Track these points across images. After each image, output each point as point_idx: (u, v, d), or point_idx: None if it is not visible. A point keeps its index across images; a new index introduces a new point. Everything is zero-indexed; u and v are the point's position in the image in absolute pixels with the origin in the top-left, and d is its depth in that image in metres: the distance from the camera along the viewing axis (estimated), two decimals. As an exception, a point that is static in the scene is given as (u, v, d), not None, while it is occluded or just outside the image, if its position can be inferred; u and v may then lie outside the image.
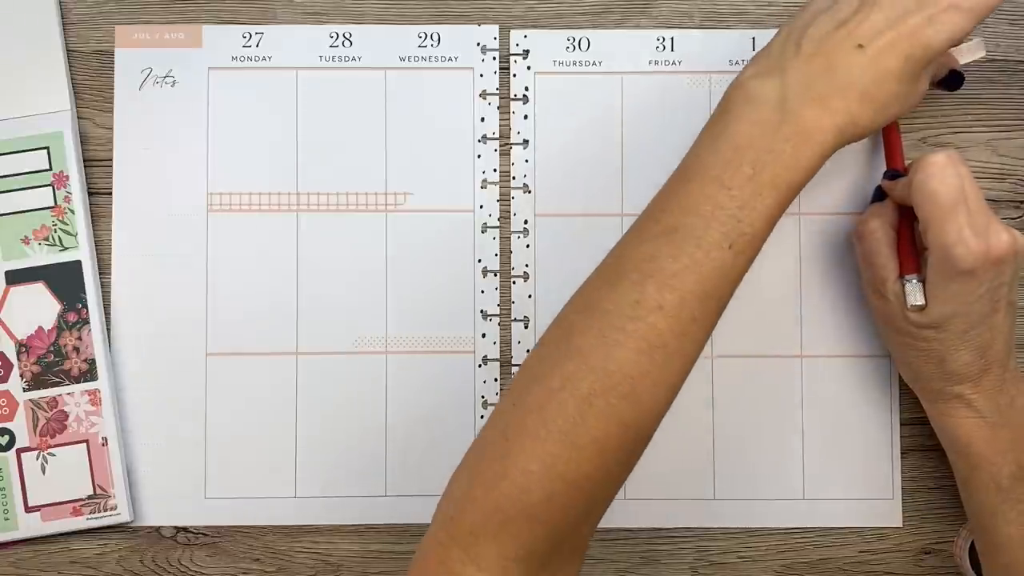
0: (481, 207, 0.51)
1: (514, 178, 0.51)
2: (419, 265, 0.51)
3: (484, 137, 0.51)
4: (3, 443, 0.49)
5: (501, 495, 0.36)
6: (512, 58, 0.51)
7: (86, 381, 0.49)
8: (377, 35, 0.51)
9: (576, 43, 0.51)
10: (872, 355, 0.51)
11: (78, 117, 0.51)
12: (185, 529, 0.50)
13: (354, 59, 0.51)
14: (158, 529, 0.50)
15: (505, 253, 0.51)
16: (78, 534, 0.50)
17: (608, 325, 0.37)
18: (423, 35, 0.51)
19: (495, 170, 0.51)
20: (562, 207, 0.51)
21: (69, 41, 0.51)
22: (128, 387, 0.50)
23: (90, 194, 0.51)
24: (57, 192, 0.50)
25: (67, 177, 0.50)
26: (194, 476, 0.50)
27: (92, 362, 0.49)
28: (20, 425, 0.49)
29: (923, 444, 0.50)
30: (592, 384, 0.37)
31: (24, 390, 0.49)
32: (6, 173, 0.50)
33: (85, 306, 0.49)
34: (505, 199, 0.51)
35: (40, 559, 0.50)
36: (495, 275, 0.51)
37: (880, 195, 0.48)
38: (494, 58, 0.51)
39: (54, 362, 0.49)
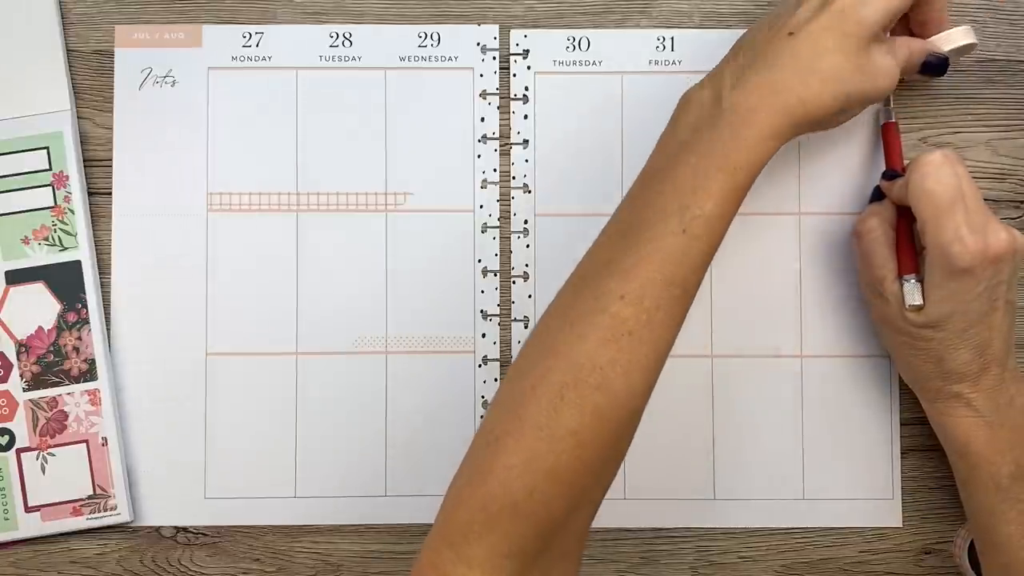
0: (481, 207, 0.51)
1: (514, 178, 0.51)
2: (419, 265, 0.51)
3: (484, 137, 0.51)
4: (3, 443, 0.49)
5: (485, 493, 0.37)
6: (512, 58, 0.52)
7: (86, 381, 0.49)
8: (377, 35, 0.51)
9: (576, 43, 0.52)
10: (872, 355, 0.51)
11: (78, 117, 0.51)
12: (185, 529, 0.50)
13: (354, 59, 0.51)
14: (158, 529, 0.50)
15: (505, 253, 0.51)
16: (78, 534, 0.50)
17: (575, 321, 0.39)
18: (423, 35, 0.51)
19: (495, 170, 0.51)
20: (562, 207, 0.51)
21: (69, 41, 0.51)
22: (128, 387, 0.50)
23: (90, 194, 0.51)
24: (57, 192, 0.50)
25: (67, 177, 0.50)
26: (194, 476, 0.50)
27: (92, 362, 0.50)
28: (20, 425, 0.49)
29: (923, 444, 0.51)
30: (563, 377, 0.38)
31: (24, 390, 0.49)
32: (6, 173, 0.50)
33: (85, 306, 0.50)
34: (505, 199, 0.51)
35: (40, 559, 0.50)
36: (495, 275, 0.51)
37: (879, 195, 0.49)
38: (494, 58, 0.51)
39: (54, 362, 0.49)
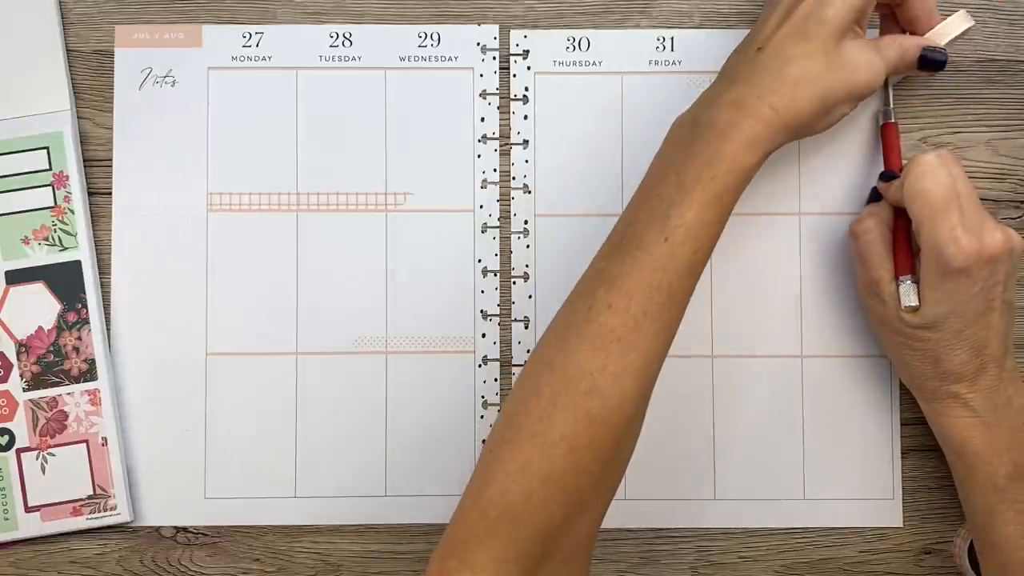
0: (481, 207, 0.52)
1: (514, 178, 0.52)
2: (419, 265, 0.51)
3: (484, 137, 0.52)
4: (3, 443, 0.50)
5: (485, 500, 0.39)
6: (512, 58, 0.52)
7: (86, 381, 0.50)
8: (377, 35, 0.52)
9: (576, 43, 0.52)
10: (872, 355, 0.51)
11: (78, 117, 0.51)
12: (185, 529, 0.51)
13: (354, 59, 0.52)
14: (158, 529, 0.51)
15: (505, 253, 0.52)
16: (78, 534, 0.50)
17: (568, 332, 0.40)
18: (423, 35, 0.52)
19: (495, 170, 0.52)
20: (562, 207, 0.51)
21: (69, 41, 0.51)
22: (128, 387, 0.51)
23: (90, 194, 0.51)
24: (57, 192, 0.50)
25: (67, 177, 0.50)
26: (194, 476, 0.51)
27: (92, 362, 0.50)
28: (20, 425, 0.50)
29: (923, 444, 0.51)
30: (555, 385, 0.39)
31: (24, 390, 0.50)
32: (6, 173, 0.50)
33: (85, 306, 0.50)
34: (505, 199, 0.52)
35: (40, 559, 0.50)
36: (495, 275, 0.51)
37: (876, 196, 0.49)
38: (494, 58, 0.52)
39: (54, 362, 0.50)
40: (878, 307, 0.47)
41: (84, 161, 0.51)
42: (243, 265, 0.51)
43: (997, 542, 0.45)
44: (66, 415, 0.50)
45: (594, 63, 0.52)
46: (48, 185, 0.50)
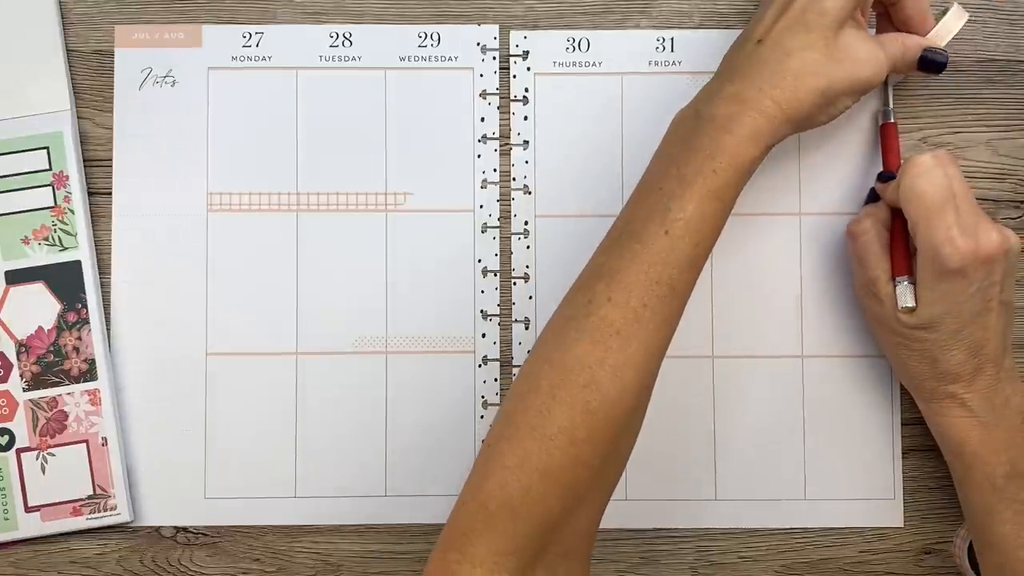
0: (481, 207, 0.52)
1: (514, 179, 0.52)
2: (419, 265, 0.52)
3: (484, 137, 0.52)
4: (3, 443, 0.50)
5: (484, 493, 0.39)
6: (512, 59, 0.52)
7: (86, 381, 0.50)
8: (377, 35, 0.52)
9: (576, 44, 0.52)
10: (873, 355, 0.52)
11: (78, 117, 0.52)
12: (185, 529, 0.51)
13: (354, 59, 0.52)
14: (158, 529, 0.51)
15: (505, 253, 0.52)
16: (78, 534, 0.51)
17: (567, 327, 0.41)
18: (423, 35, 0.52)
19: (495, 170, 0.52)
20: (562, 208, 0.52)
21: (69, 41, 0.52)
22: (128, 387, 0.51)
23: (90, 194, 0.52)
24: (57, 192, 0.51)
25: (67, 177, 0.51)
26: (194, 476, 0.51)
27: (92, 362, 0.50)
28: (20, 425, 0.50)
29: (924, 444, 0.51)
30: (553, 379, 0.40)
31: (24, 390, 0.50)
32: (6, 173, 0.51)
33: (85, 306, 0.50)
34: (505, 200, 0.52)
35: (40, 559, 0.51)
36: (495, 275, 0.52)
37: (874, 196, 0.50)
38: (494, 58, 0.52)
39: (54, 362, 0.50)
40: (875, 307, 0.48)
41: (84, 161, 0.52)
42: (243, 265, 0.52)
43: (995, 542, 0.45)
44: (66, 415, 0.50)
45: (594, 64, 0.52)
46: (48, 185, 0.51)
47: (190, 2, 0.52)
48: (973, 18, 0.52)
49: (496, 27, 0.52)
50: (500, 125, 0.52)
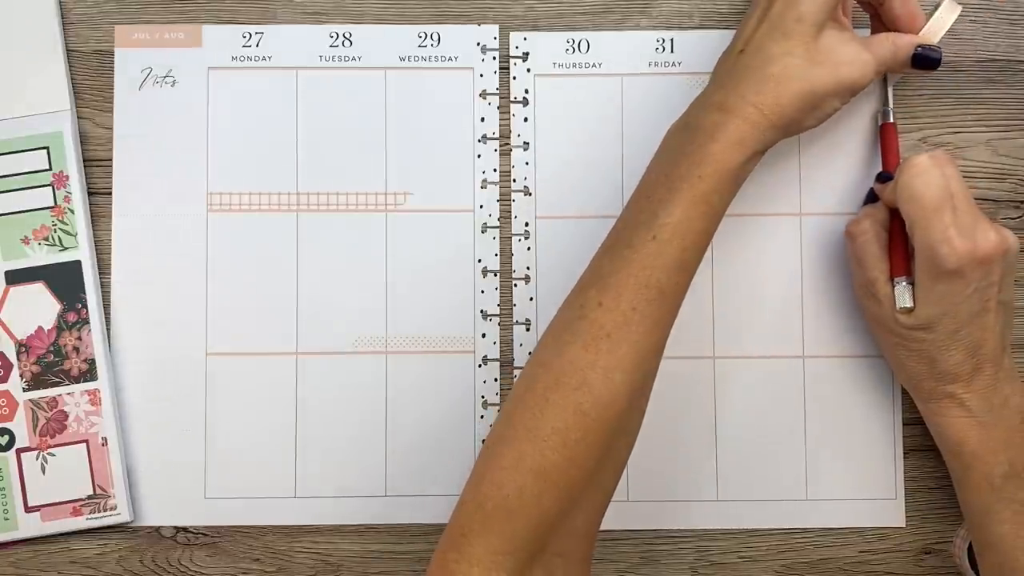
0: (481, 207, 0.53)
1: (515, 180, 0.53)
2: (419, 265, 0.52)
3: (484, 137, 0.53)
4: (3, 443, 0.50)
5: (480, 494, 0.40)
6: (512, 60, 0.53)
7: (86, 381, 0.51)
8: (377, 35, 0.53)
9: (576, 45, 0.53)
10: (874, 355, 0.52)
11: (78, 117, 0.52)
12: (185, 529, 0.51)
13: (354, 59, 0.53)
14: (158, 529, 0.51)
15: (505, 254, 0.52)
16: (78, 534, 0.51)
17: (561, 331, 0.42)
18: (423, 35, 0.53)
19: (495, 170, 0.53)
20: (563, 209, 0.52)
21: (69, 41, 0.52)
22: (128, 387, 0.52)
23: (90, 194, 0.52)
24: (57, 192, 0.51)
25: (67, 177, 0.51)
26: (194, 476, 0.51)
27: (92, 362, 0.51)
28: (20, 425, 0.50)
29: (924, 444, 0.51)
30: (547, 382, 0.41)
31: (24, 390, 0.51)
32: (6, 173, 0.51)
33: (85, 306, 0.51)
34: (506, 201, 0.53)
35: (40, 559, 0.51)
36: (495, 275, 0.52)
37: (873, 197, 0.50)
38: (494, 58, 0.53)
39: (54, 362, 0.51)
40: (874, 308, 0.48)
41: (84, 161, 0.52)
42: (243, 265, 0.52)
43: (993, 541, 0.45)
44: (66, 415, 0.51)
45: (594, 65, 0.53)
46: (48, 185, 0.51)
47: (190, 2, 0.53)
48: (973, 18, 0.52)
49: (496, 27, 0.53)
50: (500, 125, 0.53)
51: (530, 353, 0.52)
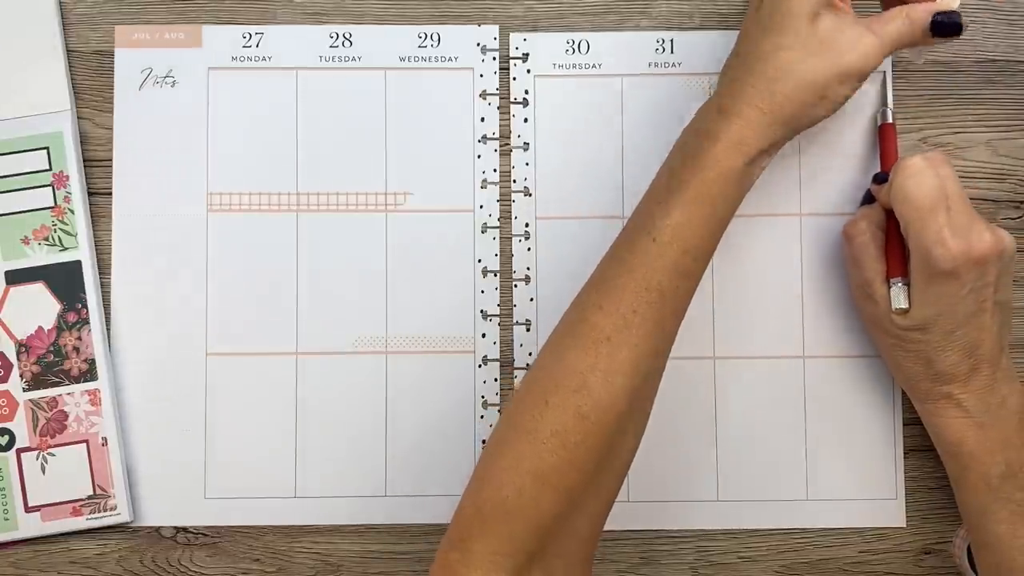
0: (481, 207, 0.53)
1: (515, 181, 0.53)
2: (419, 265, 0.53)
3: (484, 137, 0.53)
4: (3, 443, 0.51)
5: (480, 497, 0.41)
6: (512, 61, 0.53)
7: (86, 381, 0.51)
8: (377, 35, 0.53)
9: (576, 46, 0.53)
10: (874, 355, 0.52)
11: (78, 117, 0.53)
12: (185, 529, 0.52)
13: (354, 59, 0.53)
14: (158, 529, 0.52)
15: (506, 254, 0.53)
16: (78, 534, 0.51)
17: (562, 335, 0.43)
18: (423, 35, 0.53)
19: (495, 170, 0.53)
20: (563, 210, 0.53)
21: (69, 41, 0.53)
22: (128, 387, 0.52)
23: (90, 194, 0.53)
24: (57, 192, 0.52)
25: (67, 177, 0.52)
26: (194, 476, 0.52)
27: (92, 362, 0.51)
28: (20, 425, 0.51)
29: (924, 444, 0.52)
30: (546, 384, 0.41)
31: (24, 390, 0.51)
32: (6, 173, 0.52)
33: (85, 306, 0.51)
34: (506, 201, 0.53)
35: (40, 559, 0.52)
36: (495, 275, 0.53)
37: (870, 198, 0.50)
38: (494, 58, 0.53)
39: (54, 362, 0.51)
40: (871, 308, 0.49)
41: (84, 161, 0.52)
42: (243, 265, 0.53)
43: (990, 541, 0.46)
44: (66, 415, 0.51)
45: (594, 65, 0.53)
46: (48, 185, 0.52)
47: (190, 2, 0.53)
48: (972, 18, 0.52)
49: (496, 27, 0.53)
50: (500, 126, 0.53)
51: (531, 353, 0.52)
